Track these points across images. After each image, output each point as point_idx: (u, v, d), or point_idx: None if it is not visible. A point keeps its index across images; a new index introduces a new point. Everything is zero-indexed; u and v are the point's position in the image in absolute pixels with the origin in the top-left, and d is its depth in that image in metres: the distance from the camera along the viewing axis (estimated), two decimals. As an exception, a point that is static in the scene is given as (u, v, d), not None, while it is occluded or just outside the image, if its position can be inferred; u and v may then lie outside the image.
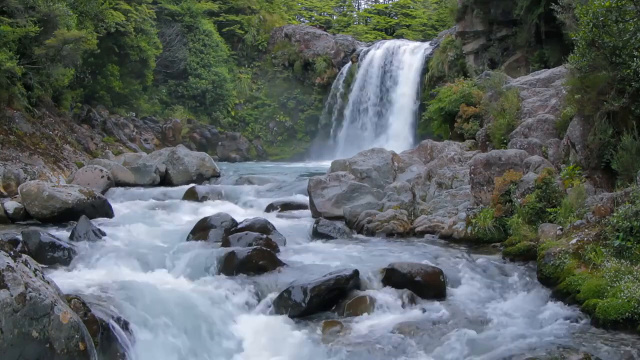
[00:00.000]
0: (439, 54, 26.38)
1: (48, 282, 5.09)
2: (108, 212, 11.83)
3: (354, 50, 32.96)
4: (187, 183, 16.48)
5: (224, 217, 9.97)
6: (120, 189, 15.12)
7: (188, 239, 9.52)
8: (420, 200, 11.40)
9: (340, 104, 31.58)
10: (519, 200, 8.86)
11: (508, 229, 8.90)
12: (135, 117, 28.35)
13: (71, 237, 9.09)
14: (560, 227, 7.87)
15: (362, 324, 6.30)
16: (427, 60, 27.85)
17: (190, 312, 6.09)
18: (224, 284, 7.11)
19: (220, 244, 8.92)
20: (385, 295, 6.80)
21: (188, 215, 11.92)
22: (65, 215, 11.12)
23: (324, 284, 6.71)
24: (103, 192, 13.96)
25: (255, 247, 8.18)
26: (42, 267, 5.54)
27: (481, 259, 8.17)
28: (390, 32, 43.51)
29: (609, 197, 7.51)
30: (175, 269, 7.86)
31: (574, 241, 7.08)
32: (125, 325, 5.51)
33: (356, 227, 10.67)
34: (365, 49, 32.17)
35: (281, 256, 8.27)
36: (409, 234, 10.18)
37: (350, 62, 32.21)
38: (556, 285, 6.74)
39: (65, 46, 17.19)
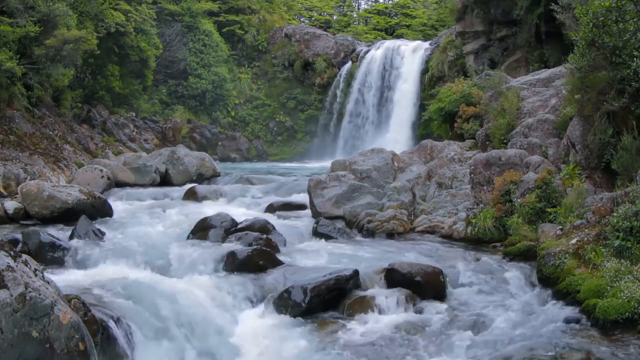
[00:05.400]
0: (439, 54, 26.37)
1: (48, 282, 5.09)
2: (108, 212, 11.84)
3: (353, 50, 32.94)
4: (187, 183, 16.47)
5: (224, 217, 9.96)
6: (120, 189, 15.11)
7: (188, 238, 9.52)
8: (420, 200, 11.40)
9: (340, 104, 31.57)
10: (519, 200, 8.86)
11: (508, 229, 8.90)
12: (135, 117, 28.34)
13: (71, 237, 9.10)
14: (560, 227, 7.87)
15: (362, 324, 6.30)
16: (427, 60, 27.83)
17: (189, 312, 6.10)
18: (224, 284, 7.12)
19: (220, 244, 8.92)
20: (385, 296, 6.80)
21: (188, 215, 11.90)
22: (65, 215, 11.12)
23: (324, 284, 6.72)
24: (103, 192, 13.96)
25: (255, 247, 8.18)
26: (42, 267, 5.53)
27: (481, 259, 8.18)
28: (390, 32, 43.48)
29: (609, 197, 7.51)
30: (175, 268, 7.87)
31: (574, 241, 7.08)
32: (125, 325, 5.51)
33: (356, 227, 10.67)
34: (365, 49, 32.15)
35: (281, 256, 8.27)
36: (409, 234, 10.18)
37: (350, 62, 32.20)
38: (556, 285, 6.74)
39: (65, 46, 17.18)
